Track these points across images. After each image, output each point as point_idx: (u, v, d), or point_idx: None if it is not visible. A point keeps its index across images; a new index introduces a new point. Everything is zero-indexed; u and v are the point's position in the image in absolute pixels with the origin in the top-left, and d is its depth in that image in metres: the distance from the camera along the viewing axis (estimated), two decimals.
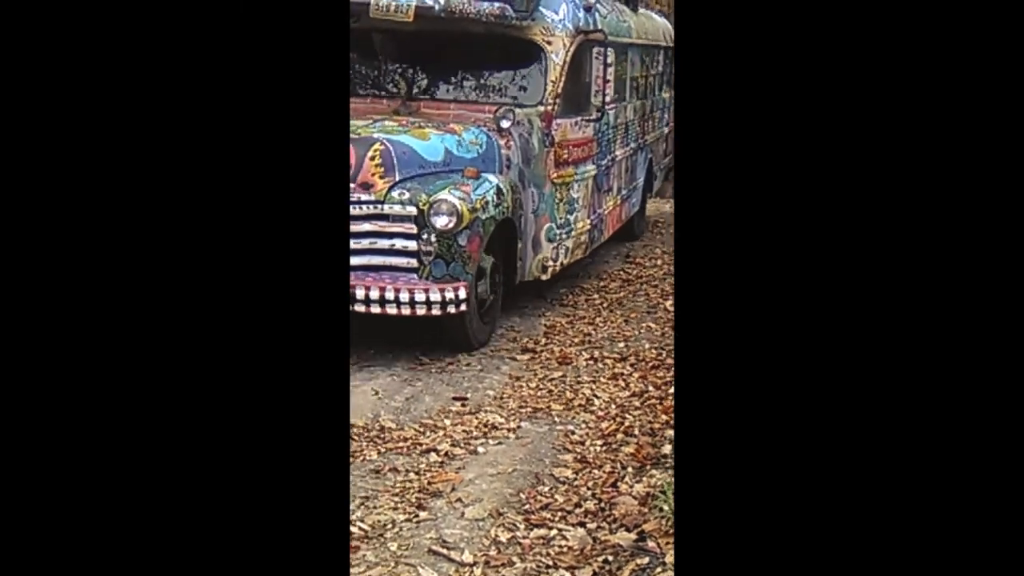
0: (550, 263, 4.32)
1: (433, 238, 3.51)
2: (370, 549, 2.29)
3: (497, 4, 3.97)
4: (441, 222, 3.46)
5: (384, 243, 3.48)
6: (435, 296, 3.43)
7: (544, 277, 4.31)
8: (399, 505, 2.53)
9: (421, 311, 3.42)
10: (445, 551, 2.27)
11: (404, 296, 3.37)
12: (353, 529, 2.38)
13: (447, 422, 3.15)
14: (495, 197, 3.68)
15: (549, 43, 4.17)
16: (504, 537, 2.34)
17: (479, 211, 3.56)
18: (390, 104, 4.29)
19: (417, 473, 2.75)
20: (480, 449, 2.92)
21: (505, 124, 4.01)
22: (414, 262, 3.55)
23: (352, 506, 2.48)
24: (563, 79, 4.18)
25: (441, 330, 3.72)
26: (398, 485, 2.67)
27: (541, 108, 4.17)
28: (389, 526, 2.41)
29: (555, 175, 4.26)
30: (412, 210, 3.49)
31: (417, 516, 2.47)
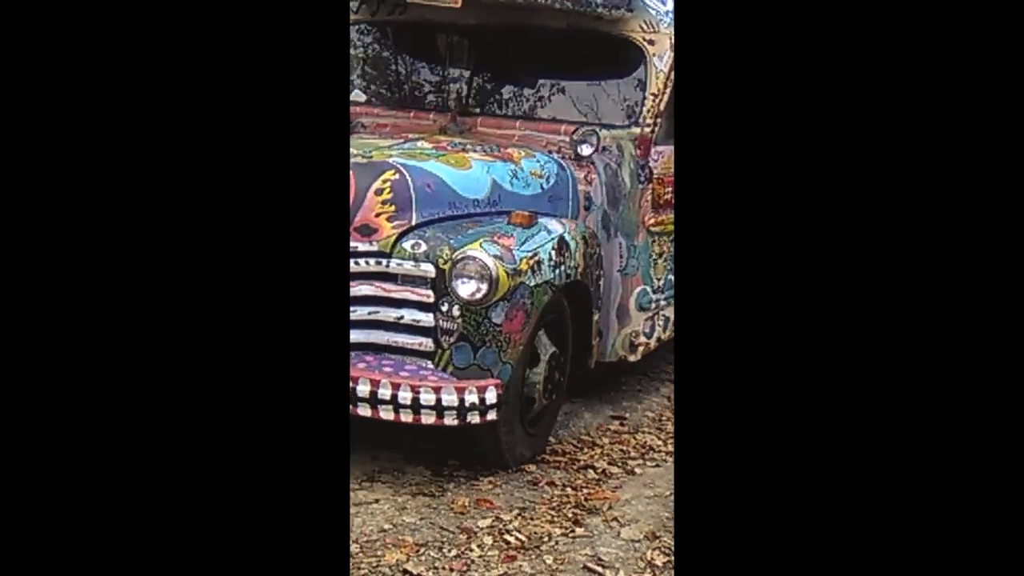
0: (642, 339, 3.25)
1: (456, 311, 2.54)
2: (527, 560, 2.39)
3: None
4: (467, 289, 2.50)
5: (390, 314, 2.53)
6: (449, 398, 2.48)
7: (632, 358, 3.25)
8: (555, 519, 2.61)
9: (428, 419, 2.44)
10: (600, 569, 2.34)
11: (404, 396, 2.41)
12: (509, 539, 2.49)
13: (605, 440, 3.19)
14: (555, 254, 2.67)
15: (652, 42, 3.16)
16: (660, 561, 2.38)
17: (526, 275, 2.57)
18: (437, 120, 3.35)
19: (574, 488, 2.81)
20: (637, 470, 2.96)
21: (586, 150, 3.03)
22: (429, 343, 2.58)
23: (509, 516, 2.61)
24: (669, 92, 3.15)
25: (463, 440, 2.75)
26: (555, 499, 2.74)
27: (636, 130, 3.15)
28: (545, 539, 2.50)
29: (653, 221, 3.22)
30: (429, 269, 2.53)
31: (573, 531, 2.54)
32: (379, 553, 2.31)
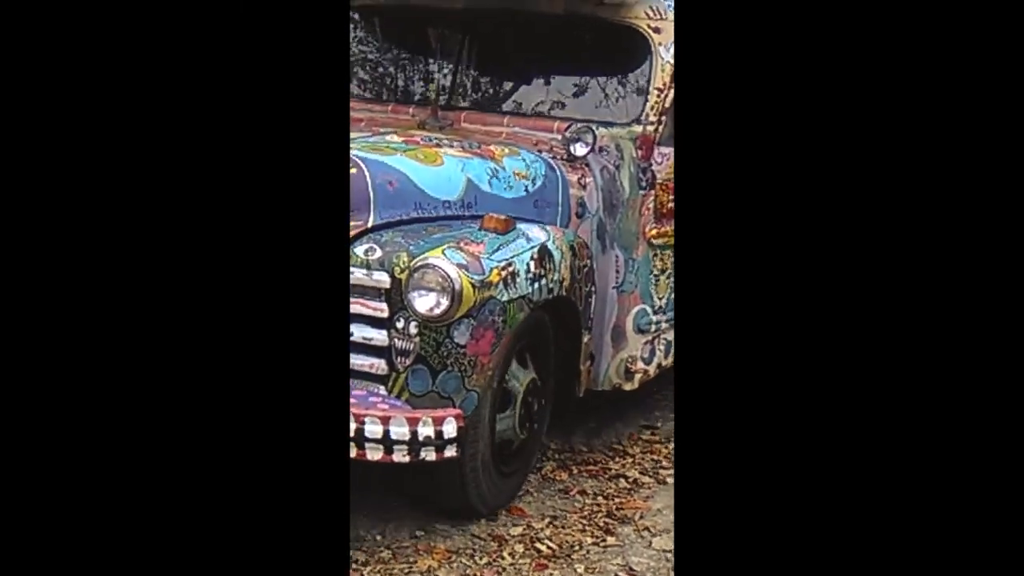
0: (639, 365, 2.96)
1: (413, 328, 2.28)
2: (558, 569, 2.45)
3: None
4: (425, 303, 2.23)
5: None
6: (399, 431, 2.19)
7: (628, 386, 2.96)
8: (587, 528, 2.67)
9: (374, 455, 2.16)
10: None
11: (349, 427, 2.13)
12: (540, 547, 2.56)
13: (636, 449, 3.26)
14: (534, 265, 2.38)
15: (657, 31, 2.92)
16: None
17: (496, 288, 2.29)
18: (417, 114, 3.12)
19: (605, 497, 2.87)
20: (668, 480, 2.97)
21: (580, 150, 2.76)
22: (382, 365, 2.32)
23: (540, 524, 2.68)
24: (673, 87, 2.89)
25: (424, 481, 2.48)
26: (586, 507, 2.80)
27: (638, 128, 2.89)
28: (576, 547, 2.55)
29: (655, 232, 2.93)
30: (383, 279, 2.28)
31: (604, 540, 2.59)
32: (411, 559, 2.40)
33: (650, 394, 3.49)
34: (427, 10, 3.25)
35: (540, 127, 2.97)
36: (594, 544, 2.60)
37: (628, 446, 3.28)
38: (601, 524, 2.70)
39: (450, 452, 2.30)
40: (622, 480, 3.02)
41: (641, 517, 2.73)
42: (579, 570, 2.46)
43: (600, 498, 2.89)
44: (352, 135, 2.83)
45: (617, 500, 2.88)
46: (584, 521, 2.72)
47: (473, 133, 3.01)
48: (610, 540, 2.62)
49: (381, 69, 3.44)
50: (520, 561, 2.51)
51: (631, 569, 2.48)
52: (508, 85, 3.25)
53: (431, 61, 3.34)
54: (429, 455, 2.26)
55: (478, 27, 3.24)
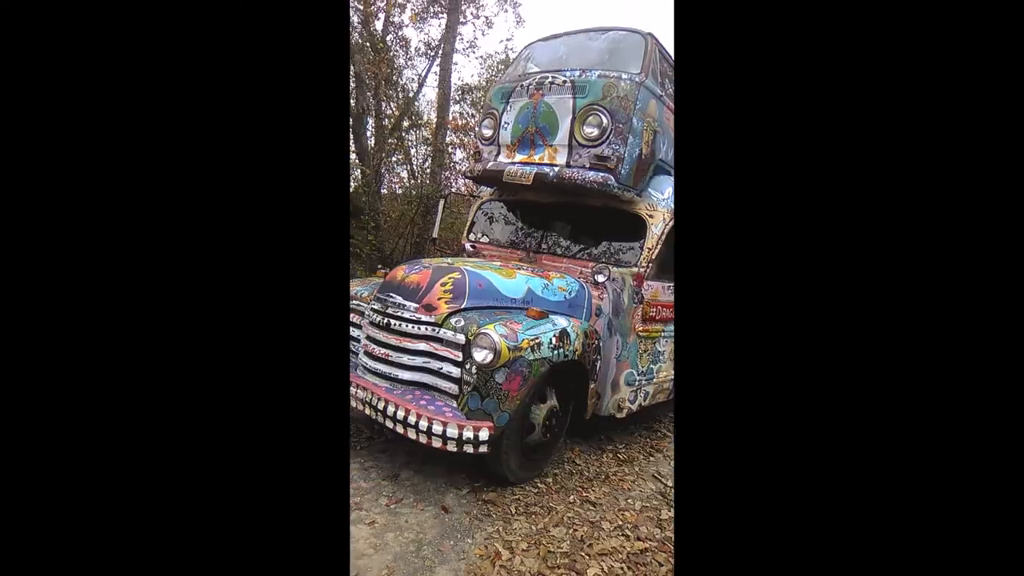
0: (626, 404, 3.11)
1: (474, 370, 2.41)
2: (627, 467, 3.02)
3: (602, 174, 3.03)
4: (480, 356, 2.38)
5: (436, 365, 2.51)
6: (452, 432, 2.32)
7: (619, 415, 3.08)
8: (640, 451, 3.32)
9: (436, 444, 2.32)
10: (661, 478, 2.91)
11: (424, 424, 2.32)
12: (619, 456, 3.16)
13: (668, 417, 3.93)
14: (555, 340, 2.55)
15: (651, 216, 3.15)
16: None
17: (524, 351, 2.41)
18: (520, 255, 3.51)
19: (649, 439, 3.53)
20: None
21: (600, 278, 3.00)
22: (456, 389, 2.46)
23: (621, 445, 3.24)
24: (659, 248, 3.11)
25: (480, 465, 2.64)
26: (641, 441, 3.47)
27: (635, 269, 3.09)
28: (635, 459, 3.19)
29: (641, 329, 3.11)
30: (461, 338, 2.45)
31: (648, 458, 3.19)
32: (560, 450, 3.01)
33: (656, 416, 3.86)
34: (530, 201, 3.64)
35: (581, 264, 3.25)
36: (643, 458, 3.23)
37: (661, 419, 3.94)
38: (647, 450, 3.37)
39: (483, 449, 2.36)
40: (659, 431, 3.71)
41: (666, 451, 3.38)
42: (636, 470, 3.05)
43: (647, 439, 3.54)
44: (474, 259, 3.26)
45: (655, 441, 3.52)
46: (639, 447, 3.39)
47: (547, 266, 3.33)
48: (651, 458, 3.25)
49: (507, 230, 3.80)
50: (610, 461, 3.14)
51: (659, 473, 3.03)
52: (567, 241, 3.51)
53: (529, 228, 3.72)
54: (469, 449, 2.33)
55: (554, 211, 3.56)
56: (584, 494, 2.69)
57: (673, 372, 3.53)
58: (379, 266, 5.24)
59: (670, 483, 2.95)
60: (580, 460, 3.08)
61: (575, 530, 2.36)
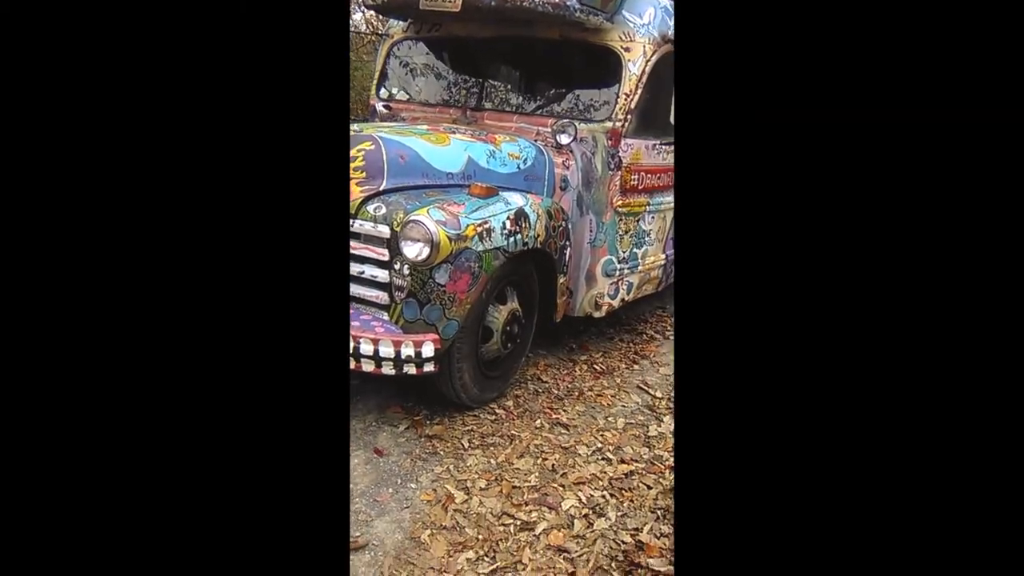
0: (605, 300, 3.19)
1: (406, 270, 2.34)
2: (606, 379, 3.30)
3: None
4: (412, 251, 2.30)
5: (355, 268, 2.43)
6: (387, 351, 2.29)
7: (597, 314, 3.18)
8: (622, 359, 3.58)
9: (368, 367, 2.31)
10: (647, 388, 3.28)
11: (348, 345, 2.30)
12: (596, 367, 3.39)
13: (653, 319, 4.26)
14: (508, 224, 2.50)
15: (628, 50, 3.04)
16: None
17: (471, 240, 2.36)
18: (454, 114, 3.37)
19: (633, 344, 3.80)
20: (670, 336, 3.95)
21: (564, 139, 2.97)
22: (385, 297, 2.41)
23: (597, 355, 3.54)
24: (639, 93, 3.04)
25: (430, 385, 2.66)
26: (623, 348, 3.72)
27: (609, 124, 3.02)
28: (616, 369, 3.43)
29: (620, 203, 3.12)
30: (384, 231, 2.36)
31: (632, 367, 3.53)
32: (525, 368, 3.24)
33: (666, 288, 4.06)
34: (460, 38, 3.44)
35: (538, 123, 3.16)
36: (626, 368, 3.42)
37: (648, 317, 4.23)
38: (631, 357, 3.57)
39: (429, 368, 2.36)
40: (644, 335, 3.90)
41: (653, 355, 3.61)
42: (617, 381, 3.25)
43: (631, 344, 3.76)
44: (398, 125, 3.13)
45: (639, 345, 3.74)
46: (621, 355, 3.59)
47: (491, 127, 3.22)
48: (635, 367, 3.45)
49: (434, 82, 3.63)
50: (585, 373, 3.31)
51: (646, 383, 3.24)
52: (518, 92, 3.39)
53: (463, 76, 3.57)
54: (410, 370, 2.34)
55: (498, 49, 3.39)
56: (554, 416, 2.80)
57: (663, 256, 3.60)
58: None
59: (659, 394, 3.10)
60: (547, 376, 3.18)
61: (544, 459, 2.47)
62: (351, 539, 1.96)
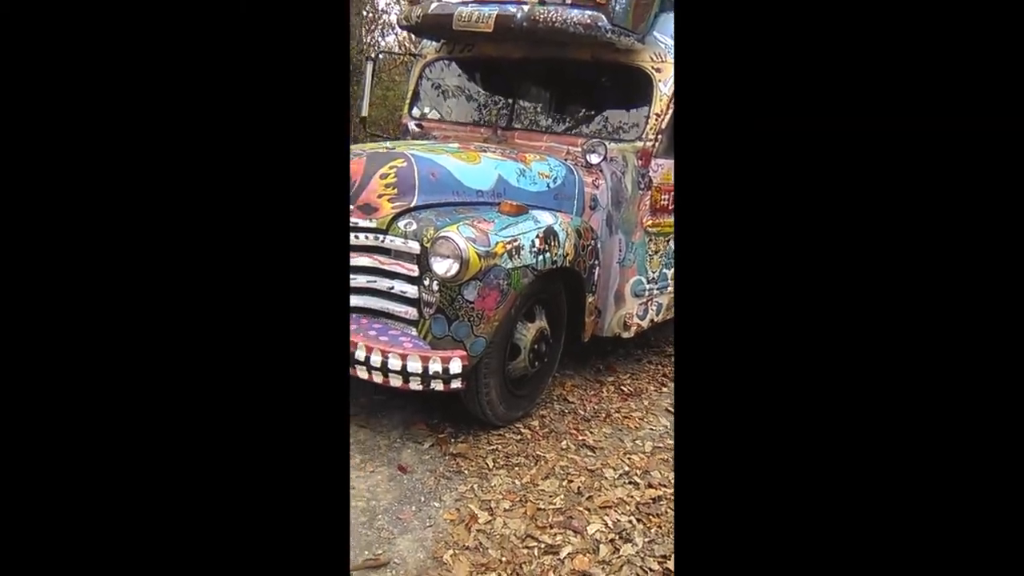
0: (634, 320, 3.16)
1: (435, 286, 2.34)
2: (633, 401, 3.25)
3: (588, 12, 2.84)
4: (441, 267, 2.29)
5: (385, 283, 2.43)
6: (415, 366, 2.29)
7: (625, 335, 3.16)
8: (651, 381, 3.51)
9: (396, 382, 2.31)
10: (674, 412, 3.17)
11: (376, 359, 2.30)
12: (624, 389, 3.35)
13: None
14: (538, 242, 2.48)
15: (659, 70, 3.04)
16: None
17: (500, 258, 2.35)
18: (484, 133, 3.38)
19: (662, 366, 3.75)
20: None
21: (594, 159, 2.95)
22: (414, 313, 2.41)
23: (625, 376, 3.53)
24: (670, 113, 3.02)
25: (452, 400, 2.63)
26: (652, 370, 3.67)
27: (639, 144, 3.01)
28: (644, 391, 3.39)
29: (649, 223, 3.09)
30: (415, 246, 2.37)
31: (660, 389, 3.46)
32: (551, 388, 3.19)
33: None
34: (492, 58, 3.45)
35: (568, 142, 3.16)
36: (654, 391, 3.39)
37: None
38: (659, 380, 3.53)
39: (456, 384, 2.35)
40: (672, 358, 3.76)
41: None
42: (645, 404, 3.20)
43: (659, 366, 3.72)
44: (422, 141, 3.18)
45: (668, 368, 3.69)
46: (650, 377, 3.56)
47: (522, 146, 3.22)
48: (664, 389, 3.41)
49: (466, 101, 3.65)
50: (612, 395, 3.27)
51: (674, 406, 3.01)
52: (548, 111, 3.39)
53: (495, 95, 3.58)
54: (438, 386, 2.33)
55: (530, 70, 3.41)
56: (580, 437, 2.77)
57: None
58: None
59: None
60: (573, 397, 3.15)
61: (570, 481, 2.43)
62: (373, 556, 1.95)
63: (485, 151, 2.91)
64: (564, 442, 2.71)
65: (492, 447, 2.62)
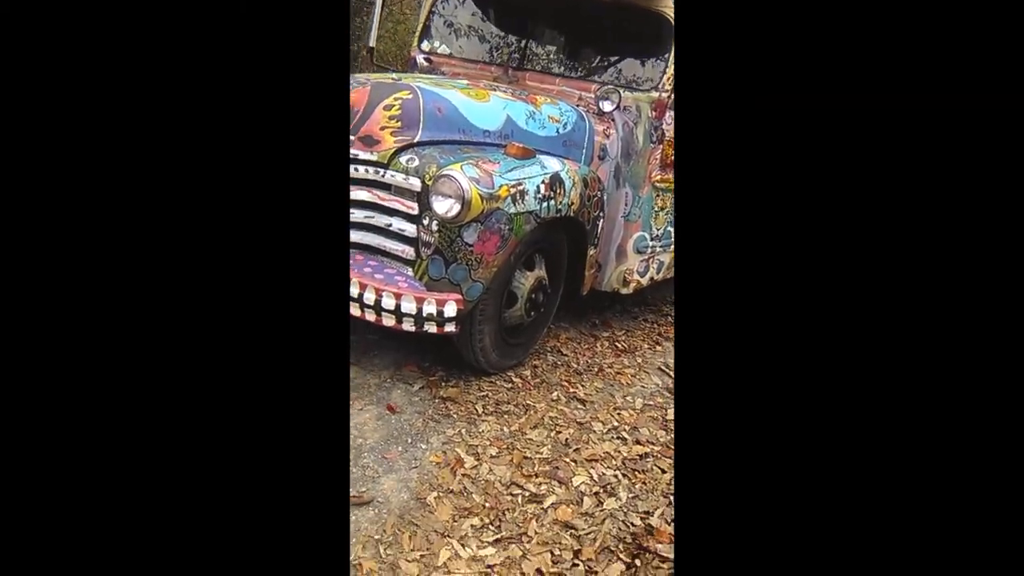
0: (634, 277, 3.11)
1: (434, 226, 2.26)
2: (627, 358, 3.21)
3: None
4: (442, 207, 2.21)
5: (383, 219, 2.35)
6: (409, 307, 2.22)
7: (624, 291, 3.10)
8: (645, 339, 3.53)
9: (388, 321, 2.24)
10: (667, 371, 2.97)
11: (370, 297, 2.23)
12: (618, 345, 3.31)
13: None
14: (543, 188, 2.40)
15: None
16: None
17: (503, 201, 2.26)
18: (495, 71, 3.27)
19: (658, 324, 3.78)
20: None
21: (607, 107, 2.85)
22: (411, 252, 2.33)
23: (620, 333, 3.47)
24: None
25: (446, 343, 2.59)
26: (646, 328, 3.68)
27: (655, 95, 2.90)
28: (638, 349, 3.36)
29: (658, 177, 3.01)
30: (415, 183, 2.27)
31: (654, 348, 3.48)
32: (544, 340, 3.15)
33: None
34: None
35: (581, 87, 3.06)
36: (648, 348, 3.36)
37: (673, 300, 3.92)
38: (654, 338, 3.51)
39: (450, 328, 2.30)
40: (669, 317, 3.85)
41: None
42: (638, 361, 3.18)
43: (655, 324, 3.70)
44: (429, 75, 3.07)
45: (663, 327, 3.67)
46: (644, 335, 3.54)
47: (533, 88, 3.11)
48: (657, 348, 3.39)
49: (477, 39, 3.51)
50: (605, 350, 3.23)
51: (667, 365, 3.16)
52: (563, 54, 3.27)
53: (508, 35, 3.45)
54: (431, 328, 2.27)
55: (542, 10, 3.28)
56: (571, 390, 2.75)
57: None
58: None
59: None
60: (567, 349, 3.12)
61: (558, 432, 2.42)
62: (356, 493, 1.93)
63: (495, 90, 2.80)
64: (555, 393, 2.68)
65: (483, 393, 2.60)
